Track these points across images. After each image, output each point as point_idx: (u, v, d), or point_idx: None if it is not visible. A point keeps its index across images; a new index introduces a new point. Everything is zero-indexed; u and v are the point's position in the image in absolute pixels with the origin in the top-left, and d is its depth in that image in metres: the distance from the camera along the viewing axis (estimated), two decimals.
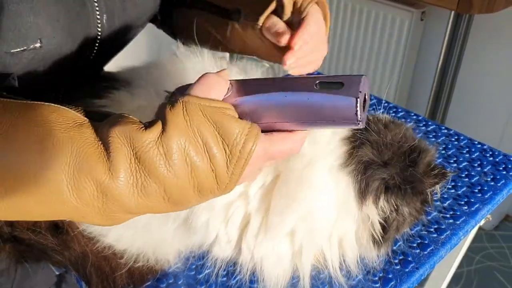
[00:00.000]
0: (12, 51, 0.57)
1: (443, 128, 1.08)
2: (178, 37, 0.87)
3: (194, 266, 0.75)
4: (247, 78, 0.48)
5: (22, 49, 0.57)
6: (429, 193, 0.67)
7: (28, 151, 0.42)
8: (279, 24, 0.70)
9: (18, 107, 0.45)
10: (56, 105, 0.45)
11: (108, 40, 0.70)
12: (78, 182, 0.42)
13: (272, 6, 0.71)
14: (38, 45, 0.58)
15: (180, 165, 0.42)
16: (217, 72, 0.46)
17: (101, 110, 0.47)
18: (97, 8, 0.65)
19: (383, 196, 0.63)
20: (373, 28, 2.06)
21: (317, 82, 0.43)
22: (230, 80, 0.46)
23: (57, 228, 0.69)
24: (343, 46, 2.19)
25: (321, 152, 0.63)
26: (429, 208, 0.71)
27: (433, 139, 1.05)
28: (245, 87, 0.46)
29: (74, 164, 0.41)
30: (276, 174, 0.61)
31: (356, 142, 0.64)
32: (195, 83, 0.45)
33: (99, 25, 0.67)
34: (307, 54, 0.70)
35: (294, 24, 0.70)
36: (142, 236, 0.70)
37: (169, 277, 0.74)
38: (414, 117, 1.12)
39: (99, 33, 0.67)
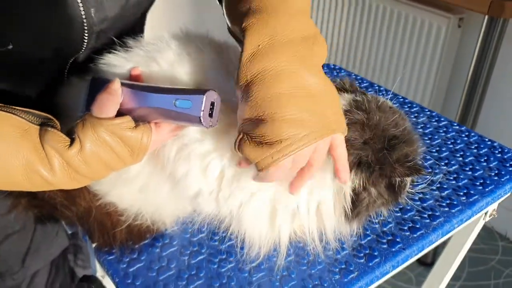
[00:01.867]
0: None
1: (455, 124, 1.09)
2: None
3: (189, 230, 0.81)
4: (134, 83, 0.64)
5: None
6: (397, 182, 0.68)
7: None
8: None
9: None
10: (6, 113, 0.58)
11: (102, 31, 0.74)
12: (30, 177, 0.58)
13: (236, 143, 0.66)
14: (10, 47, 0.67)
15: (96, 164, 0.59)
16: (107, 89, 0.60)
17: (42, 114, 0.60)
18: (80, 4, 0.68)
19: (354, 169, 0.65)
20: (410, 32, 2.06)
21: (174, 100, 0.59)
22: (121, 86, 0.61)
23: None
24: (380, 49, 2.20)
25: None
26: (402, 198, 0.73)
27: (443, 134, 1.06)
28: (136, 95, 0.61)
29: (26, 165, 0.57)
30: None
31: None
32: (94, 103, 0.60)
33: (85, 20, 0.70)
34: None
35: None
36: (141, 198, 0.75)
37: (165, 237, 0.80)
38: (428, 112, 1.13)
39: (86, 28, 0.71)
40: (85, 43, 0.74)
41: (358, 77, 1.28)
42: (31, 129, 0.58)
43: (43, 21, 0.68)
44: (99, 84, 0.63)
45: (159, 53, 0.69)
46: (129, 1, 0.75)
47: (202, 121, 0.57)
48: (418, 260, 1.98)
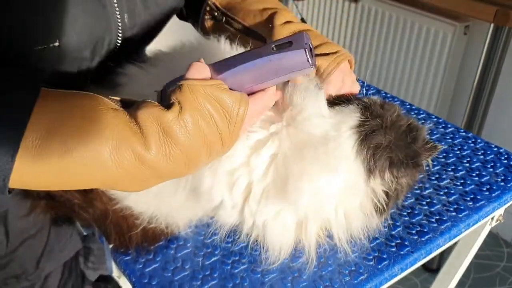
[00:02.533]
0: (34, 48, 0.66)
1: (462, 131, 1.11)
2: (204, 31, 0.96)
3: (203, 233, 0.83)
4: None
5: (42, 47, 0.67)
6: (423, 164, 0.74)
7: (81, 130, 0.52)
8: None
9: (69, 96, 0.56)
10: (95, 94, 0.56)
11: (131, 36, 0.78)
12: (119, 154, 0.52)
13: None
14: (56, 44, 0.68)
15: (195, 133, 0.55)
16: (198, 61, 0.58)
17: (130, 99, 0.58)
18: (117, 9, 0.73)
19: (387, 171, 0.69)
20: (416, 40, 2.08)
21: (273, 46, 0.56)
22: (208, 64, 0.58)
23: None
24: (386, 57, 2.23)
25: (338, 140, 0.68)
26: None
27: (450, 140, 1.07)
28: (222, 65, 0.58)
29: (116, 140, 0.52)
30: (277, 152, 0.68)
31: (364, 131, 0.69)
32: (187, 71, 0.57)
33: (120, 24, 0.75)
34: None
35: None
36: (156, 203, 0.77)
37: (180, 239, 0.82)
38: (435, 119, 1.15)
39: (120, 31, 0.75)
40: (118, 46, 0.77)
41: (366, 84, 1.30)
42: (121, 109, 0.55)
43: (86, 21, 0.71)
44: (172, 83, 0.58)
45: (178, 62, 0.72)
46: (157, 9, 0.78)
47: (307, 54, 0.54)
48: (424, 266, 1.99)
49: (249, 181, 0.69)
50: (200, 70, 0.57)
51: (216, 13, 0.91)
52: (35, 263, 0.93)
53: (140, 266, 0.77)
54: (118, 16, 0.74)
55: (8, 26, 0.65)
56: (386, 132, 0.69)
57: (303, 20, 2.28)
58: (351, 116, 0.71)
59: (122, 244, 0.80)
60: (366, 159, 0.67)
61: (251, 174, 0.69)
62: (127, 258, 0.79)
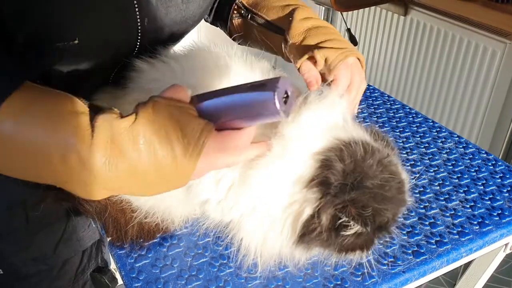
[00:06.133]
0: (55, 44, 0.69)
1: (483, 152, 1.07)
2: (233, 35, 0.98)
3: (197, 233, 0.84)
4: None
5: (62, 43, 0.69)
6: (339, 221, 0.66)
7: (42, 127, 0.53)
8: (311, 72, 0.80)
9: (46, 93, 0.57)
10: (70, 96, 0.57)
11: (150, 39, 0.80)
12: (65, 151, 0.52)
13: (306, 56, 0.80)
14: (76, 42, 0.70)
15: (144, 149, 0.53)
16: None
17: (100, 105, 0.57)
18: (137, 13, 0.75)
19: (319, 186, 0.65)
20: (463, 56, 2.02)
21: (249, 84, 0.53)
22: (192, 96, 0.57)
23: None
24: (431, 73, 2.17)
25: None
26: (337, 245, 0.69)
27: (468, 161, 1.04)
28: (202, 97, 0.57)
29: (65, 138, 0.52)
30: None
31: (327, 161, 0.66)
32: (164, 90, 0.57)
33: (140, 27, 0.77)
34: None
35: (325, 78, 0.81)
36: (154, 197, 0.80)
37: (174, 238, 0.84)
38: (456, 138, 1.12)
39: (139, 34, 0.78)
40: (137, 48, 0.80)
41: (391, 98, 1.28)
42: (86, 113, 0.55)
43: (105, 23, 0.74)
44: None
45: (187, 62, 0.74)
46: (179, 15, 0.81)
47: (275, 97, 0.51)
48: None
49: (234, 178, 0.70)
50: (177, 91, 0.56)
51: (242, 11, 0.97)
52: (53, 248, 0.98)
53: (132, 260, 0.80)
54: (139, 20, 0.77)
55: (37, 19, 0.67)
56: (353, 162, 0.65)
57: (349, 31, 2.27)
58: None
59: (119, 238, 0.83)
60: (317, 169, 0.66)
61: (234, 169, 0.69)
62: (120, 252, 0.82)
